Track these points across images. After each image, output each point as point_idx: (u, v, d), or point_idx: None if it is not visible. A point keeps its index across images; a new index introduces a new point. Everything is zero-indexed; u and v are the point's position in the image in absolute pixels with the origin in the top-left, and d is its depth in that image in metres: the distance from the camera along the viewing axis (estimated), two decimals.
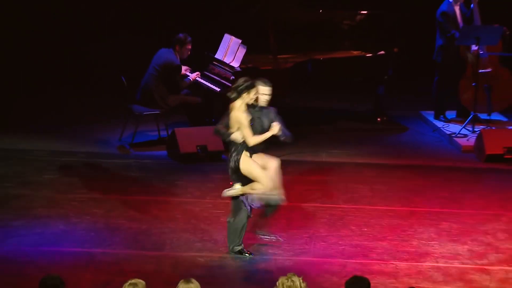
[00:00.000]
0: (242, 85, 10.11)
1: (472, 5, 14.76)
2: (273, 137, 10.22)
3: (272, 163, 10.30)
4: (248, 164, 10.15)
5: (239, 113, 10.11)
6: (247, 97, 10.13)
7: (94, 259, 10.21)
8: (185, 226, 11.18)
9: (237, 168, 10.16)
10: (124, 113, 14.09)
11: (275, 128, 10.18)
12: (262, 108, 10.31)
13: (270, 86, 10.27)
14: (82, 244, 10.59)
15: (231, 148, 10.23)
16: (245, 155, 10.15)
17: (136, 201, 11.95)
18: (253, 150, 10.20)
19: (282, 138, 10.28)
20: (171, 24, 16.31)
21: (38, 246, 10.48)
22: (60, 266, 9.87)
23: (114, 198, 12.03)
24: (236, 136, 10.15)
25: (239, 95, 10.11)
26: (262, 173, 10.18)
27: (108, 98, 15.69)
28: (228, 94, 10.27)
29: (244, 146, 10.14)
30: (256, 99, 10.23)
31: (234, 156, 10.14)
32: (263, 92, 10.23)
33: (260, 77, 10.34)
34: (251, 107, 10.23)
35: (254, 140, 10.14)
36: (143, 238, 10.82)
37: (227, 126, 10.22)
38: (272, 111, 10.38)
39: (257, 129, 10.21)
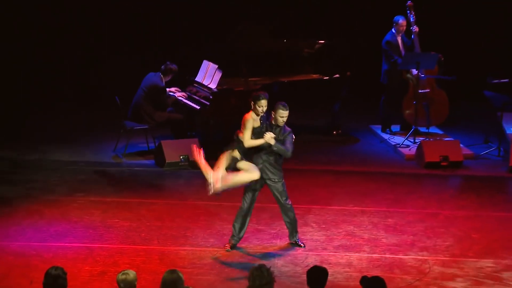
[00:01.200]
0: (253, 96, 10.10)
1: (412, 36, 14.79)
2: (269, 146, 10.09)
3: (250, 174, 10.11)
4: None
5: (245, 117, 10.06)
6: (254, 107, 10.06)
7: (92, 252, 10.13)
8: (170, 224, 11.12)
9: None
10: (118, 128, 14.01)
11: (267, 136, 10.04)
12: (280, 127, 10.18)
13: (287, 110, 10.13)
14: (81, 240, 10.51)
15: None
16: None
17: (128, 202, 11.87)
18: (245, 155, 10.10)
19: (274, 148, 10.10)
20: (162, 53, 16.20)
21: (44, 242, 10.40)
22: (63, 259, 9.81)
23: (109, 200, 11.95)
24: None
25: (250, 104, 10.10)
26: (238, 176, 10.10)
27: (104, 115, 15.60)
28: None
29: (239, 146, 10.06)
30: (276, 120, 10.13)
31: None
32: (280, 115, 10.12)
33: (281, 101, 10.20)
34: (273, 127, 10.14)
35: (248, 142, 10.05)
36: (134, 235, 10.75)
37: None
38: (286, 130, 10.23)
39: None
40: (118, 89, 14.46)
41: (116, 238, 10.63)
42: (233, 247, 10.33)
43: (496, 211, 11.66)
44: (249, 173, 10.06)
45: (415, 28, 14.77)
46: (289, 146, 10.21)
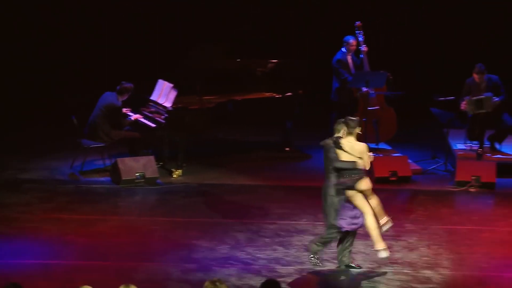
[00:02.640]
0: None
1: (361, 55, 14.86)
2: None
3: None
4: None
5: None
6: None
7: (48, 269, 9.99)
8: (126, 240, 11.01)
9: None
10: (74, 146, 13.87)
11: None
12: None
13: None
14: (38, 257, 10.35)
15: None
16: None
17: (85, 219, 11.74)
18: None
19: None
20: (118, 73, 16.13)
21: (1, 259, 10.22)
22: (20, 276, 9.62)
23: (66, 217, 11.81)
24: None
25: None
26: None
27: (61, 133, 15.44)
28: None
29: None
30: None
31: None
32: None
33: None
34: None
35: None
36: (90, 251, 10.62)
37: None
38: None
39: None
40: (75, 107, 14.39)
41: (73, 254, 10.50)
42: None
43: (443, 224, 11.71)
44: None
45: (364, 48, 14.85)
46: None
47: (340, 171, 9.82)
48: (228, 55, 14.78)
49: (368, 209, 9.93)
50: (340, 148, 9.85)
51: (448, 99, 14.53)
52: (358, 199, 9.91)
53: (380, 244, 9.92)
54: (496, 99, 14.00)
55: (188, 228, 11.42)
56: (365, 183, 9.90)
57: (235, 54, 14.92)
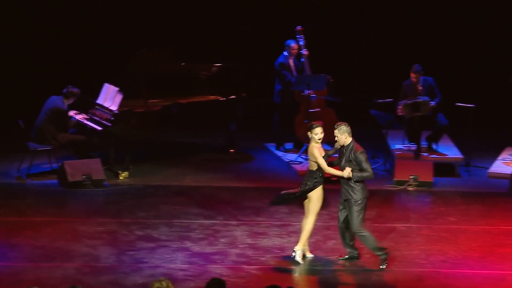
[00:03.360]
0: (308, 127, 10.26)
1: (302, 59, 14.96)
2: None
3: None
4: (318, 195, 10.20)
5: (311, 148, 10.22)
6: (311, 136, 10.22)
7: None
8: (73, 241, 10.94)
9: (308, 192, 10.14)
10: (21, 149, 13.74)
11: (345, 173, 10.05)
12: (349, 146, 10.19)
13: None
14: None
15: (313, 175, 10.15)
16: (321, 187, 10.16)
17: (32, 221, 11.65)
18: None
19: (354, 180, 10.10)
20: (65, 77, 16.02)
21: None
22: None
23: (13, 220, 11.70)
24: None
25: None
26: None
27: (7, 137, 15.27)
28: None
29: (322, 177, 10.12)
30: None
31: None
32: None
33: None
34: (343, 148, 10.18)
35: (328, 170, 10.17)
36: (38, 253, 10.53)
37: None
38: (357, 150, 10.12)
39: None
40: (22, 111, 14.28)
41: (20, 256, 10.40)
42: (351, 258, 10.35)
43: (382, 222, 11.83)
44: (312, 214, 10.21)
45: (305, 51, 14.95)
46: (365, 166, 10.05)
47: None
48: (172, 59, 14.76)
49: (316, 212, 10.17)
50: None
51: (386, 101, 14.71)
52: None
53: (302, 246, 10.23)
54: (433, 103, 14.20)
55: (134, 229, 11.39)
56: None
57: (179, 58, 14.91)
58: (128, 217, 11.93)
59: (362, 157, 10.07)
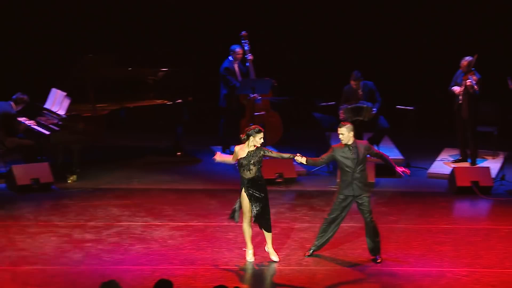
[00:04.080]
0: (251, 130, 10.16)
1: (247, 63, 15.01)
2: None
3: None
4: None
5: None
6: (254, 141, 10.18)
7: None
8: (22, 244, 10.83)
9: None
10: None
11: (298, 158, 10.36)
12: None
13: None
14: None
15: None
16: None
17: None
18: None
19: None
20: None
21: None
22: None
23: None
24: None
25: (248, 138, 10.14)
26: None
27: None
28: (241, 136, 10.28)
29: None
30: None
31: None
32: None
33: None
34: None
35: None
36: None
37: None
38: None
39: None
40: None
41: None
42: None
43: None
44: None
45: (250, 56, 15.00)
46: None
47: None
48: (119, 64, 14.71)
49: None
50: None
51: (329, 104, 14.83)
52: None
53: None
54: (375, 110, 14.33)
55: (83, 232, 11.31)
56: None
57: (126, 63, 14.86)
58: (76, 219, 11.85)
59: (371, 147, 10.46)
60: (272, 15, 17.97)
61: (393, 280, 9.92)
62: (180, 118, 15.08)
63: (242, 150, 10.21)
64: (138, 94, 15.01)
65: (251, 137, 10.16)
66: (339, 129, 10.26)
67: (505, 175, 14.10)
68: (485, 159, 14.90)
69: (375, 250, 10.43)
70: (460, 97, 14.21)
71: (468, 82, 14.00)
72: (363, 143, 10.42)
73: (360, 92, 14.46)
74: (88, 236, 11.17)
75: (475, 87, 13.94)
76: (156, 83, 15.15)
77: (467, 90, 14.10)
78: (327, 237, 10.47)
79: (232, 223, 11.69)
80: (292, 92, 15.86)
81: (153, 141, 16.08)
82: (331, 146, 10.42)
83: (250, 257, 10.37)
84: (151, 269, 10.08)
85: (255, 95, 14.68)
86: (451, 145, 15.50)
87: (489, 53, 16.48)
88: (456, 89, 14.24)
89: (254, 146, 10.20)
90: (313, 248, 10.52)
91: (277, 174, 13.77)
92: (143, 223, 11.76)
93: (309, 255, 10.48)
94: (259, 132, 10.18)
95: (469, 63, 14.08)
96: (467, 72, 14.09)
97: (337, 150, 10.32)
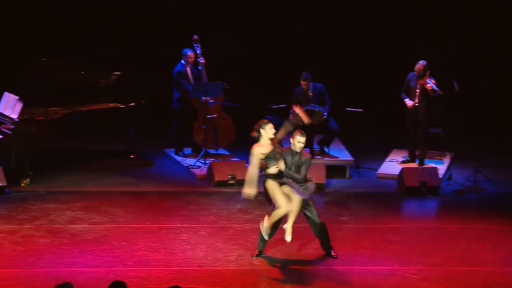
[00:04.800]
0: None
1: (199, 67, 14.96)
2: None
3: (296, 198, 10.20)
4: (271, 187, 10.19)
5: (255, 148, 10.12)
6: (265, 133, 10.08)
7: None
8: None
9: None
10: None
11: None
12: (298, 153, 10.25)
13: (304, 136, 10.26)
14: None
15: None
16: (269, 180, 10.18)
17: None
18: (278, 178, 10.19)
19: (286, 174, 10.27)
20: None
21: None
22: None
23: None
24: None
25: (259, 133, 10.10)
26: (282, 198, 10.12)
27: None
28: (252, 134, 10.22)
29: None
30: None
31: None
32: (298, 141, 10.18)
33: (299, 129, 10.37)
34: (292, 153, 10.22)
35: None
36: None
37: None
38: (305, 156, 10.27)
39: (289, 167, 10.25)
40: None
41: None
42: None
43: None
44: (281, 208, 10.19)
45: (202, 60, 14.96)
46: (303, 171, 10.25)
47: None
48: (72, 68, 14.58)
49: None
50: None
51: (280, 106, 14.85)
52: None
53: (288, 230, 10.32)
54: (326, 115, 14.36)
55: (37, 235, 11.17)
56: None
57: (78, 67, 14.73)
58: (30, 223, 11.70)
59: (308, 163, 10.32)
60: (223, 18, 17.94)
61: (344, 278, 9.95)
62: (133, 121, 15.00)
63: (261, 148, 10.16)
64: (91, 98, 14.88)
65: (262, 130, 10.11)
66: (300, 137, 10.26)
67: (452, 175, 14.24)
68: (432, 160, 15.02)
69: (327, 246, 10.45)
70: (417, 100, 14.28)
71: (429, 86, 14.07)
72: (307, 155, 10.42)
73: (310, 93, 14.50)
74: (41, 239, 11.04)
75: (437, 89, 14.03)
76: (109, 86, 15.04)
77: (425, 93, 14.16)
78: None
79: (185, 225, 11.69)
80: (244, 95, 15.86)
81: (106, 144, 15.95)
82: (281, 149, 10.40)
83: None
84: (105, 271, 9.99)
85: (207, 98, 14.63)
86: (399, 146, 15.61)
87: (435, 55, 16.63)
88: (409, 103, 14.33)
89: (269, 139, 10.14)
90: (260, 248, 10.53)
91: (229, 176, 13.73)
92: (96, 225, 11.65)
93: (257, 256, 10.47)
94: (267, 123, 10.19)
95: (425, 66, 14.17)
96: (423, 75, 14.17)
97: (286, 153, 10.33)
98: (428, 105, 14.29)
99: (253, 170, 10.19)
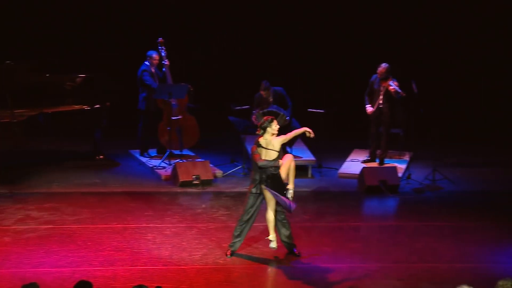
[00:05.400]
0: (264, 122, 10.17)
1: (164, 69, 14.94)
2: None
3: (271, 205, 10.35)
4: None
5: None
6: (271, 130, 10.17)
7: None
8: None
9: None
10: None
11: None
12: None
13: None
14: None
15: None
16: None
17: None
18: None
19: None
20: None
21: None
22: None
23: None
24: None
25: (264, 130, 10.12)
26: None
27: None
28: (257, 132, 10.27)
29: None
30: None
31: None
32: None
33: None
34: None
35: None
36: None
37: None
38: None
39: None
40: None
41: None
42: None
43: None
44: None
45: (167, 62, 14.94)
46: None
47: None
48: (37, 70, 14.49)
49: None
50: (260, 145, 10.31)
51: (243, 108, 14.88)
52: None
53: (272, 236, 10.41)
54: (288, 118, 14.40)
55: (3, 235, 11.09)
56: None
57: (44, 70, 14.65)
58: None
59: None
60: (187, 22, 17.94)
61: (306, 276, 9.99)
62: (98, 122, 14.94)
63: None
64: (57, 100, 14.80)
65: (267, 128, 10.22)
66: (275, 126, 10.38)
67: (411, 174, 14.36)
68: (392, 159, 15.14)
69: (290, 244, 10.51)
70: (381, 102, 14.38)
71: (392, 88, 14.17)
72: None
73: (270, 99, 14.54)
74: (7, 239, 10.96)
75: (400, 91, 14.12)
76: (74, 88, 14.96)
77: (389, 95, 14.26)
78: (243, 237, 10.53)
79: (151, 224, 11.67)
80: (207, 97, 15.87)
81: (72, 145, 15.86)
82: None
83: (273, 245, 10.37)
84: (71, 270, 9.94)
85: (171, 99, 14.62)
86: (360, 146, 15.72)
87: (395, 58, 16.77)
88: (369, 110, 14.43)
89: (273, 134, 10.25)
90: (233, 249, 10.54)
91: (194, 176, 13.73)
92: (62, 226, 11.59)
93: (231, 255, 10.51)
94: (272, 121, 10.29)
95: (387, 69, 14.27)
96: (386, 78, 14.27)
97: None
98: (392, 107, 14.40)
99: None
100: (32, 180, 13.85)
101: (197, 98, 15.23)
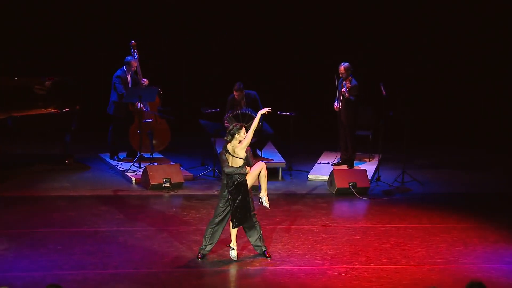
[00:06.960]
0: (232, 129, 10.11)
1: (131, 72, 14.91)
2: None
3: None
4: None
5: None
6: (239, 137, 10.16)
7: None
8: None
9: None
10: None
11: None
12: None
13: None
14: None
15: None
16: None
17: None
18: None
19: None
20: None
21: None
22: None
23: None
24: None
25: (232, 137, 10.10)
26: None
27: None
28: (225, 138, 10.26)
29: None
30: None
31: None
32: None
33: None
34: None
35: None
36: None
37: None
38: None
39: None
40: None
41: None
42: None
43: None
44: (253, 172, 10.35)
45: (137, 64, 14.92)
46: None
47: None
48: (5, 74, 14.41)
49: None
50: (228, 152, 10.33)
51: (213, 111, 14.90)
52: None
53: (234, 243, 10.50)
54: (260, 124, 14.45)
55: None
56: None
57: (12, 73, 14.58)
58: None
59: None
60: (161, 24, 17.90)
61: (277, 278, 10.03)
62: (68, 126, 14.88)
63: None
64: (26, 103, 14.72)
65: (236, 135, 10.23)
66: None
67: (381, 176, 14.46)
68: (362, 162, 15.24)
69: (261, 247, 10.55)
70: (340, 103, 14.51)
71: (343, 90, 14.32)
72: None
73: (243, 102, 14.59)
74: None
75: (347, 94, 14.26)
76: (43, 92, 14.89)
77: (344, 96, 14.40)
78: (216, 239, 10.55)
79: (121, 228, 11.64)
80: (179, 100, 15.86)
81: (42, 149, 15.78)
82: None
83: (234, 253, 10.41)
84: (42, 275, 9.89)
85: (143, 103, 14.60)
86: (330, 148, 15.79)
87: (362, 60, 16.86)
88: (336, 105, 14.54)
89: (240, 141, 10.25)
90: (204, 252, 10.56)
91: (164, 180, 13.71)
92: (33, 229, 11.52)
93: (201, 258, 10.52)
94: (241, 128, 10.30)
95: (346, 68, 14.37)
96: (346, 77, 14.40)
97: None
98: (348, 108, 14.45)
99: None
100: (1, 184, 13.75)
101: (168, 100, 15.21)
